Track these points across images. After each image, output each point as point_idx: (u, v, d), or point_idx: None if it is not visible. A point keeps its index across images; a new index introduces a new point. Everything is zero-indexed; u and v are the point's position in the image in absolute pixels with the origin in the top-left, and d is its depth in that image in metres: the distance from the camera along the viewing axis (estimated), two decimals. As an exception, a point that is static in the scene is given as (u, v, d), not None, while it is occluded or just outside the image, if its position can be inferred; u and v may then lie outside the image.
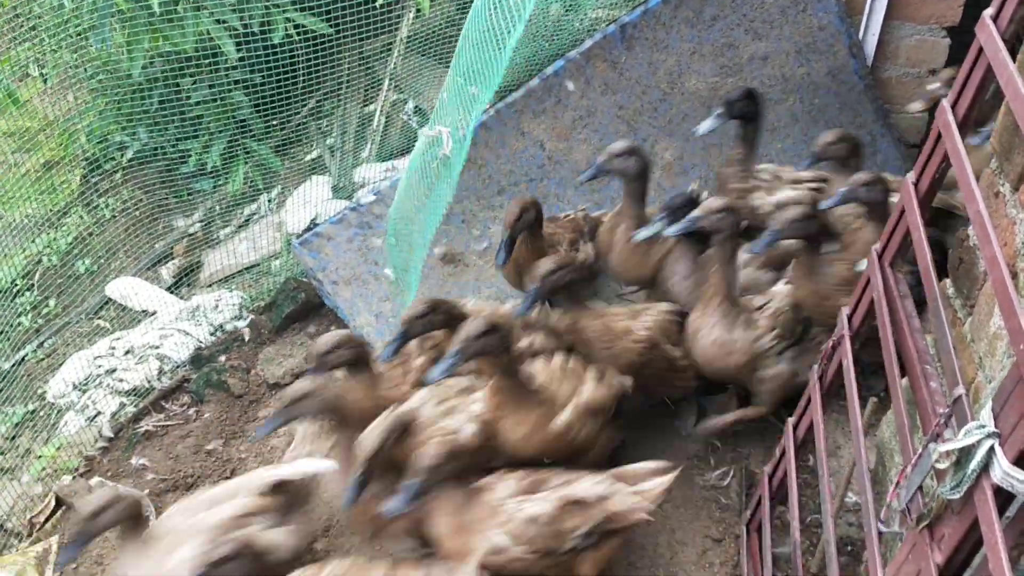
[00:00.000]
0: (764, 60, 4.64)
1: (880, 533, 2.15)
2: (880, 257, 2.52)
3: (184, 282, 5.31)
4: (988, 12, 2.00)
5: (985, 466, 1.61)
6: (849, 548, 3.35)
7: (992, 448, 1.60)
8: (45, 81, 5.64)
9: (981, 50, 2.02)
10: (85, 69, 5.26)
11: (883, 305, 2.42)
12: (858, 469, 2.30)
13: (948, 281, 2.65)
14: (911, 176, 2.36)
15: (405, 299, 3.99)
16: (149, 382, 4.42)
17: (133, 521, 2.97)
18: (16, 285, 5.38)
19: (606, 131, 4.53)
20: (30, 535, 3.82)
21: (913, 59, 4.69)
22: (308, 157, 5.79)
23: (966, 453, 1.64)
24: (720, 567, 3.39)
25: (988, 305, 2.32)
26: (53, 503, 3.91)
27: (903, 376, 2.31)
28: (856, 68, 4.70)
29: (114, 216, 5.61)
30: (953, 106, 2.17)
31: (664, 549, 3.48)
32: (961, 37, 4.45)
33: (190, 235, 5.59)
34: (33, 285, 5.39)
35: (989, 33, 1.96)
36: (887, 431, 3.17)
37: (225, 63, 5.22)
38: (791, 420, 3.00)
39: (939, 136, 2.22)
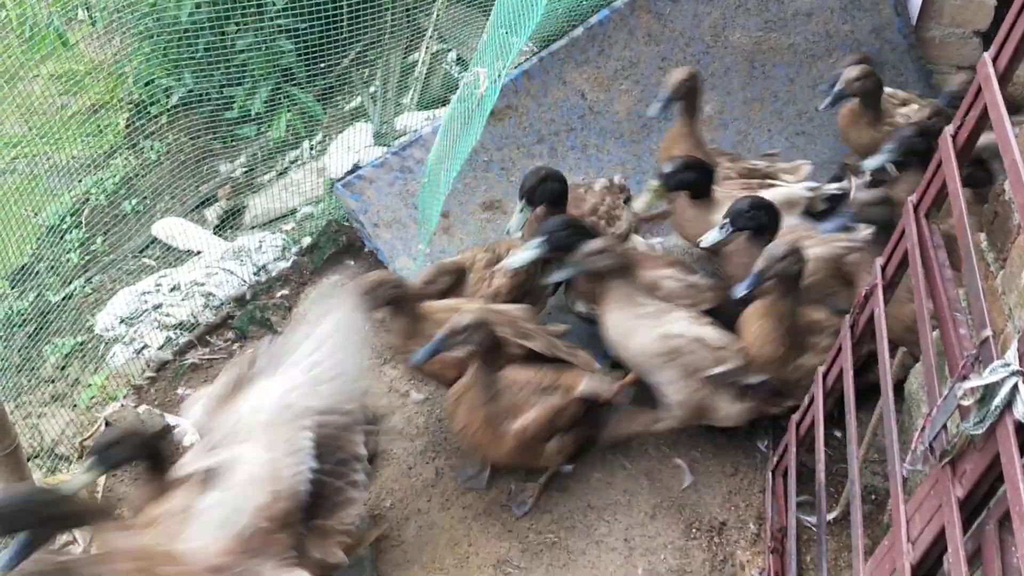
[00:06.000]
0: (808, 16, 4.64)
1: (904, 476, 2.22)
2: (916, 208, 2.57)
3: (228, 224, 5.43)
4: (1033, -36, 2.03)
5: (1009, 403, 1.68)
6: (873, 497, 3.43)
7: (1016, 386, 1.67)
8: (93, 24, 5.74)
9: (1025, 2, 2.05)
10: (133, 13, 5.35)
11: (916, 255, 2.47)
12: (885, 410, 2.37)
13: (982, 235, 2.69)
14: (950, 128, 2.40)
15: (422, 237, 4.16)
16: (195, 317, 4.56)
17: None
18: (65, 223, 5.52)
19: (648, 82, 4.56)
20: (80, 458, 3.98)
21: (958, 19, 4.68)
22: (350, 105, 5.86)
23: (990, 390, 1.71)
24: (745, 510, 3.48)
25: (1021, 258, 2.36)
26: (103, 428, 4.06)
27: (933, 329, 2.36)
28: (900, 27, 4.70)
29: (160, 159, 5.73)
30: (994, 59, 2.20)
31: (690, 491, 3.58)
32: (1007, -1, 4.42)
33: (233, 179, 5.70)
34: (81, 223, 5.53)
35: (1034, -15, 1.99)
36: (915, 382, 3.23)
37: (271, 9, 5.29)
38: (821, 368, 3.06)
39: (979, 89, 2.26)
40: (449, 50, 5.74)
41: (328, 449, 2.91)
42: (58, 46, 5.53)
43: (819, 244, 3.60)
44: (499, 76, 3.48)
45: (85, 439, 4.04)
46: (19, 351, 4.53)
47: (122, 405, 4.13)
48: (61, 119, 5.87)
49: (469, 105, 3.66)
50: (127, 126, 5.89)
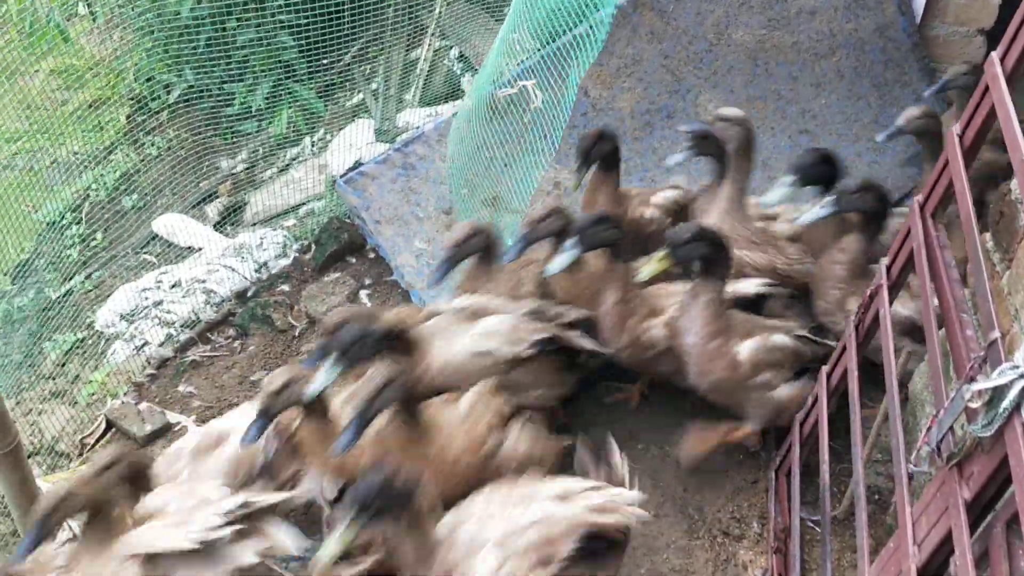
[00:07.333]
0: (812, 14, 4.62)
1: (910, 475, 2.21)
2: (922, 208, 2.56)
3: (229, 220, 5.41)
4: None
5: (1017, 406, 1.67)
6: (876, 497, 3.42)
7: (1024, 388, 1.66)
8: (94, 20, 5.73)
9: (1034, 2, 2.04)
10: (133, 8, 5.33)
11: (922, 255, 2.46)
12: (891, 412, 2.35)
13: (988, 235, 2.68)
14: (956, 127, 2.38)
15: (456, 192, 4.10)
16: (196, 314, 4.55)
17: None
18: (64, 218, 5.51)
19: (651, 80, 4.54)
20: (80, 455, 3.97)
21: (962, 17, 4.66)
22: (351, 101, 5.85)
23: (999, 393, 1.69)
24: (748, 509, 3.47)
25: (1027, 258, 2.35)
26: (103, 425, 4.05)
27: (939, 328, 2.35)
28: (904, 25, 4.68)
29: (160, 155, 5.71)
30: (1002, 59, 2.19)
31: (694, 491, 3.56)
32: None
33: (234, 176, 5.69)
34: (81, 219, 5.51)
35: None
36: (919, 382, 3.22)
37: (272, 5, 5.27)
38: (825, 368, 3.05)
39: (986, 89, 2.24)
40: (451, 47, 5.73)
41: None
42: (58, 41, 5.51)
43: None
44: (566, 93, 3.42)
45: (85, 436, 4.03)
46: (19, 347, 4.51)
47: (122, 402, 4.12)
48: (61, 115, 5.86)
49: (518, 119, 3.57)
50: (127, 122, 5.88)
